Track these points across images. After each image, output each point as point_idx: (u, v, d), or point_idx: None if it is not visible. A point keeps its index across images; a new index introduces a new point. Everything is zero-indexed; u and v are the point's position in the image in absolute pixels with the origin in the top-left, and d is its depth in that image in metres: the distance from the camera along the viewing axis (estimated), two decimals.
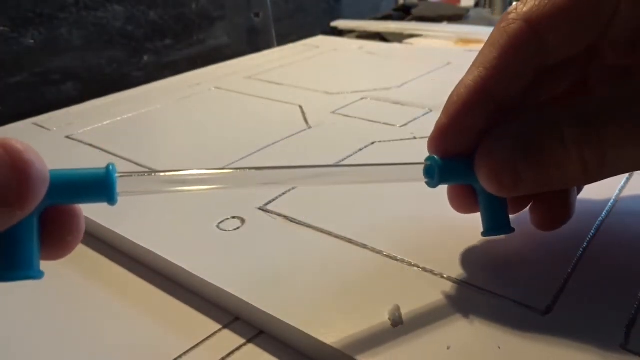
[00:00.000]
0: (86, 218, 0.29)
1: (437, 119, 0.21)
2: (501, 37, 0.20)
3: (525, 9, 0.20)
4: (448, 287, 0.22)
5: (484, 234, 0.22)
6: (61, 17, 0.54)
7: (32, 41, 0.52)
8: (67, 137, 0.41)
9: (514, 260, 0.23)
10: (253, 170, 0.19)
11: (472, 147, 0.21)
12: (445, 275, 0.22)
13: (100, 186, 0.16)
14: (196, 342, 0.21)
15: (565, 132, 0.18)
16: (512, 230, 0.22)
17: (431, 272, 0.23)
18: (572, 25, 0.20)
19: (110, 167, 0.16)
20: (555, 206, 0.23)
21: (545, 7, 0.19)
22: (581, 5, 0.19)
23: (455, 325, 0.20)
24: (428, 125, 0.22)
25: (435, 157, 0.21)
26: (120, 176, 0.17)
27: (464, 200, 0.23)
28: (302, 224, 0.27)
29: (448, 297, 0.22)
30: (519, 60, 0.20)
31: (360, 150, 0.35)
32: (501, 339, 0.19)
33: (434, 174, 0.21)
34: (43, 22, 0.52)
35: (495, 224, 0.22)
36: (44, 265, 0.17)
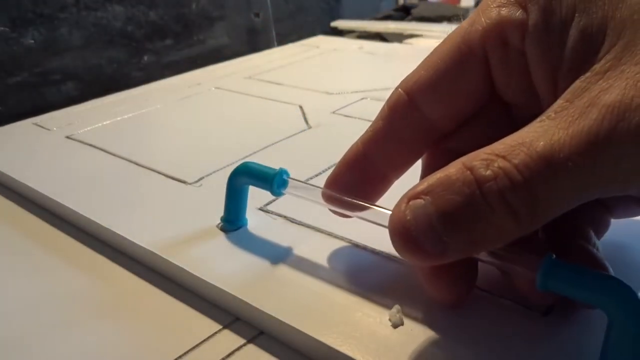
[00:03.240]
0: (85, 219, 0.29)
1: None
2: (384, 104, 0.22)
3: (406, 78, 0.21)
4: None
5: None
6: (61, 17, 0.53)
7: (32, 41, 0.52)
8: (68, 137, 0.41)
9: None
10: None
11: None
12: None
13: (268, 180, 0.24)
14: (196, 343, 0.21)
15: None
16: None
17: None
18: (441, 95, 0.21)
19: (281, 171, 0.25)
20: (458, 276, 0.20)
21: (420, 77, 0.21)
22: (444, 78, 0.20)
23: (455, 327, 0.20)
24: None
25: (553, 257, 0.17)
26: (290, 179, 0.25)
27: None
28: (302, 224, 0.27)
29: None
30: (397, 125, 0.21)
31: None
32: (502, 340, 0.19)
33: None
34: (43, 22, 0.52)
35: None
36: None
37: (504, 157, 0.16)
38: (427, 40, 0.68)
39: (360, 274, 0.23)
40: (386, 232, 0.25)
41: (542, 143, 0.16)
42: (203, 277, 0.23)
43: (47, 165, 0.36)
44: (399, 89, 0.21)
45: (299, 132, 0.39)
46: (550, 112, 0.16)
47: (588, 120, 0.15)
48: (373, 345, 0.19)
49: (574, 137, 0.15)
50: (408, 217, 0.17)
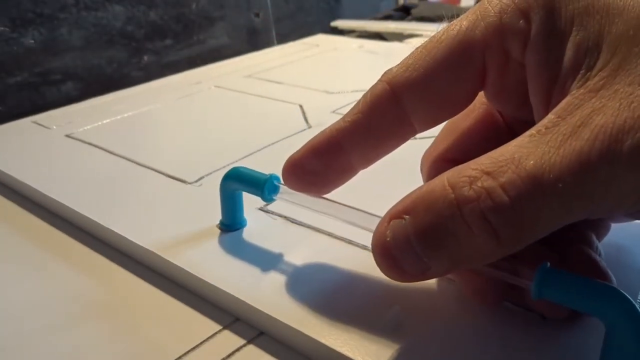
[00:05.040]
0: (85, 218, 0.29)
1: None
2: (365, 95, 0.21)
3: (393, 73, 0.20)
4: (448, 289, 0.22)
5: None
6: (61, 17, 0.53)
7: (32, 41, 0.52)
8: (67, 135, 0.41)
9: None
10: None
11: (319, 190, 0.23)
12: (445, 277, 0.22)
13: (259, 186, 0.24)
14: (196, 343, 0.21)
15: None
16: None
17: None
18: (430, 99, 0.20)
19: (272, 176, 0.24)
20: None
21: (410, 76, 0.20)
22: (437, 82, 0.20)
23: (455, 328, 0.20)
24: None
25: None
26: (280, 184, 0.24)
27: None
28: (302, 225, 0.27)
29: (448, 299, 0.21)
30: (376, 120, 0.20)
31: None
32: (501, 342, 0.19)
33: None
34: (43, 22, 0.52)
35: None
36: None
37: (489, 174, 0.16)
38: None
39: (360, 275, 0.23)
40: None
41: (532, 162, 0.15)
42: (203, 278, 0.23)
43: (46, 164, 0.36)
44: (385, 83, 0.20)
45: (299, 132, 0.39)
46: (540, 126, 0.16)
47: (580, 140, 0.15)
48: (373, 347, 0.19)
49: (564, 157, 0.15)
50: (388, 239, 0.17)
